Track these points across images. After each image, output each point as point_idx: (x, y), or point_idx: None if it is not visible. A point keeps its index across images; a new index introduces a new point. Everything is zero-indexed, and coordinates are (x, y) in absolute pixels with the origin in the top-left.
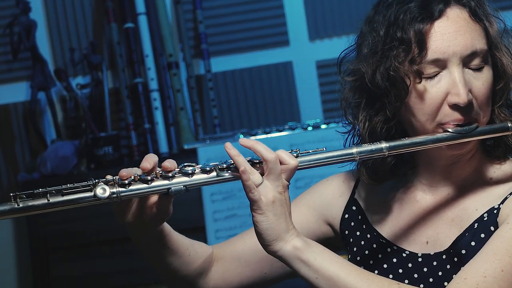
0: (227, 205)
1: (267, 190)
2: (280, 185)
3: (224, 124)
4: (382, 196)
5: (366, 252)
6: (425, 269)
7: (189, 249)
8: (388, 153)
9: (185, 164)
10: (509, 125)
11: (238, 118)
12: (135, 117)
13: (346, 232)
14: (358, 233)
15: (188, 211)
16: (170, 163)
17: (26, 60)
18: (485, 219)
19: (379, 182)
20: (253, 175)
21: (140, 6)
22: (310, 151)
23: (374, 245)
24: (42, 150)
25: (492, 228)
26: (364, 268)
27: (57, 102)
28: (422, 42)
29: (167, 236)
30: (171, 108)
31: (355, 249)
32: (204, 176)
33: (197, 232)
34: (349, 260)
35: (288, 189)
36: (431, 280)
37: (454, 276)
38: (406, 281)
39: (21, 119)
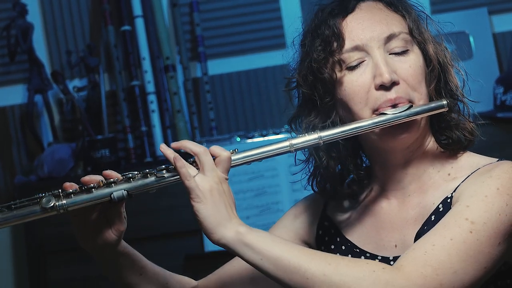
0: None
1: (203, 180)
2: (215, 175)
3: (221, 126)
4: (350, 207)
5: None
6: None
7: (167, 279)
8: (323, 141)
9: (128, 172)
10: (444, 102)
11: (235, 120)
12: (132, 120)
13: (322, 247)
14: (332, 246)
15: (185, 213)
16: (111, 172)
17: (23, 63)
18: (440, 209)
19: (335, 194)
20: (189, 168)
21: (137, 8)
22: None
23: (349, 256)
24: (39, 153)
25: None
26: None
27: (54, 105)
28: (338, 34)
29: (139, 262)
30: (168, 111)
31: None
32: (144, 179)
33: (194, 235)
34: None
35: (227, 181)
36: None
37: None
38: None
39: (18, 122)
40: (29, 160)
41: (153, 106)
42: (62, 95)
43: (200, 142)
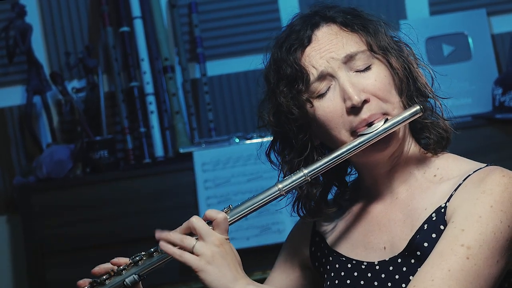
0: (222, 209)
1: (203, 248)
2: (215, 240)
3: (220, 127)
4: (338, 218)
5: (332, 274)
6: (382, 275)
7: None
8: (310, 177)
9: (135, 255)
10: (417, 107)
11: (234, 121)
12: (130, 121)
13: (316, 264)
14: (323, 259)
15: (183, 215)
16: (118, 259)
17: (22, 64)
18: (433, 219)
19: (320, 215)
20: (186, 240)
21: (136, 10)
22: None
23: (337, 265)
24: (38, 154)
25: (441, 227)
26: None
27: (53, 106)
28: (301, 70)
29: None
30: (167, 112)
31: (325, 275)
32: (150, 259)
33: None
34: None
35: (228, 242)
36: (389, 284)
37: (411, 277)
38: None
39: (17, 123)
40: (28, 161)
41: (152, 107)
42: (61, 96)
43: (199, 143)
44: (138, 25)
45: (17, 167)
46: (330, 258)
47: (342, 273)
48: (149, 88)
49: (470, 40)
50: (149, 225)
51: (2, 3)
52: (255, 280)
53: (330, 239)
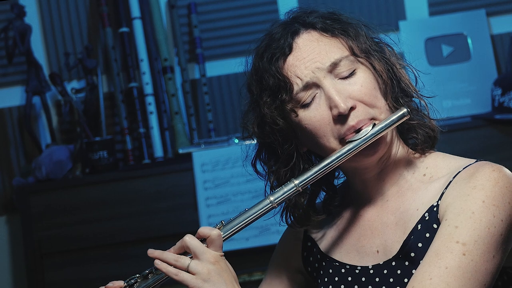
0: (221, 209)
1: (198, 266)
2: (210, 257)
3: (219, 128)
4: (330, 223)
5: (326, 279)
6: (377, 279)
7: None
8: (301, 188)
9: (130, 278)
10: (404, 110)
11: (233, 122)
12: (130, 122)
13: (309, 269)
14: (316, 265)
15: (183, 215)
16: (113, 283)
17: (21, 65)
18: (426, 218)
19: (309, 222)
20: (180, 260)
21: (135, 10)
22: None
23: (330, 270)
24: (37, 155)
25: (435, 226)
26: None
27: (52, 107)
28: (284, 80)
29: None
30: (166, 113)
31: (319, 280)
32: (145, 281)
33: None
34: None
35: (223, 258)
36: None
37: (405, 280)
38: None
39: (16, 124)
40: (27, 162)
41: (151, 107)
42: (60, 96)
43: (198, 144)
44: (138, 25)
45: (16, 167)
46: (323, 263)
47: (336, 278)
48: (148, 89)
49: (469, 41)
50: (149, 226)
51: (1, 4)
52: (255, 281)
53: (322, 245)
